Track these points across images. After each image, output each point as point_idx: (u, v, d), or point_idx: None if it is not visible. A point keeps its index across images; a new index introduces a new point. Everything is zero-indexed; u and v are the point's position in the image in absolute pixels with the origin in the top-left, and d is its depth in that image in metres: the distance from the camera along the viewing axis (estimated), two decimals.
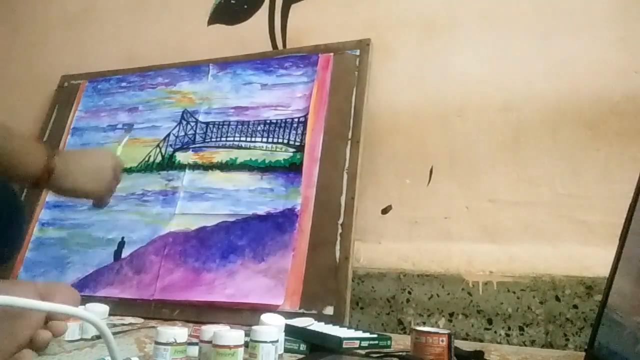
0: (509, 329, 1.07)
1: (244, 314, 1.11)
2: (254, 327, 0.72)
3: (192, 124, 1.41)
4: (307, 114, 1.29)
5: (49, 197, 1.46)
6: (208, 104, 1.42)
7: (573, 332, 1.03)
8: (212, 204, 1.28)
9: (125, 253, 1.30)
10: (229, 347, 0.67)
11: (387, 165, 1.27)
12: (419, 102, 1.27)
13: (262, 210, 1.23)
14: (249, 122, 1.35)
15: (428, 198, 1.23)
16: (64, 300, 0.52)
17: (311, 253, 1.14)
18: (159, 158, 1.40)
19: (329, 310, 1.08)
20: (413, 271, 1.17)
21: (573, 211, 1.11)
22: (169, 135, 1.42)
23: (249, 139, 1.33)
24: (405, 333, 1.12)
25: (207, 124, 1.39)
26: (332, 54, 1.33)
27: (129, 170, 1.40)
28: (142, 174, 1.40)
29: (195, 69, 1.48)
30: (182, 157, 1.38)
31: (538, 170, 1.15)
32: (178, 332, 0.68)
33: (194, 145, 1.38)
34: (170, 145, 1.41)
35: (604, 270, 0.80)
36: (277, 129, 1.31)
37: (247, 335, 0.70)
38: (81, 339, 0.87)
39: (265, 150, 1.30)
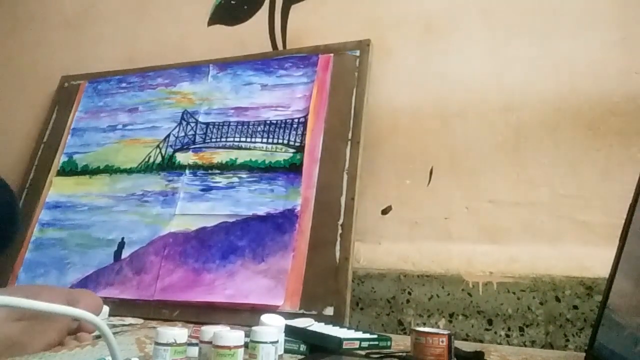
0: (509, 329, 1.07)
1: (244, 314, 1.11)
2: (253, 328, 0.71)
3: (192, 124, 1.41)
4: (307, 114, 1.29)
5: (48, 197, 1.46)
6: (208, 104, 1.42)
7: (573, 332, 1.03)
8: (212, 204, 1.28)
9: (125, 253, 1.30)
10: (228, 347, 0.67)
11: (387, 165, 1.27)
12: (419, 103, 1.27)
13: (262, 211, 1.23)
14: (249, 122, 1.35)
15: (428, 198, 1.23)
16: (86, 306, 0.53)
17: (311, 253, 1.14)
18: (159, 159, 1.40)
19: (329, 311, 1.08)
20: (413, 272, 1.17)
21: (573, 211, 1.11)
22: (169, 135, 1.42)
23: (249, 139, 1.33)
24: (405, 334, 1.12)
25: (207, 124, 1.39)
26: (332, 54, 1.33)
27: (129, 171, 1.41)
28: (142, 175, 1.40)
29: (195, 69, 1.49)
30: (182, 157, 1.38)
31: (538, 170, 1.15)
32: (178, 332, 0.67)
33: (194, 146, 1.38)
34: (170, 146, 1.41)
35: (604, 271, 0.80)
36: (277, 129, 1.31)
37: (247, 335, 0.70)
38: None
39: (265, 150, 1.30)
